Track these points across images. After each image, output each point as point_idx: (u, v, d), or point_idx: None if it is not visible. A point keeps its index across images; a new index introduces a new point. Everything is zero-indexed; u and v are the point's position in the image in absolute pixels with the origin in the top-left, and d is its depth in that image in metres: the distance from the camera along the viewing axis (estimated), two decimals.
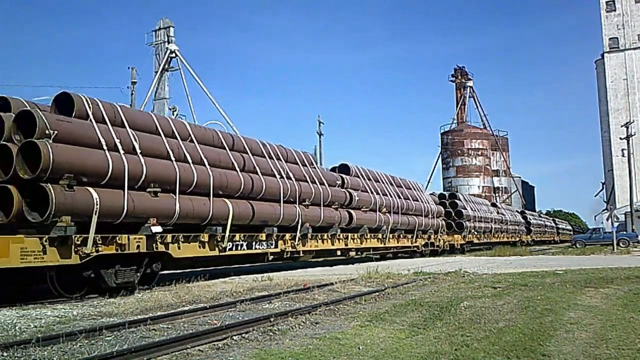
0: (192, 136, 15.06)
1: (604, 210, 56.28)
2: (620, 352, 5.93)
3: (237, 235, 15.59)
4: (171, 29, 48.85)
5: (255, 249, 16.52)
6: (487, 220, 41.89)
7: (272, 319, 7.84)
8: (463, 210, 36.80)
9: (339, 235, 21.27)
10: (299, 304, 9.92)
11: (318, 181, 20.22)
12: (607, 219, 36.92)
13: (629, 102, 70.67)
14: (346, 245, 21.90)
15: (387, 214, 24.93)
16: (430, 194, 36.85)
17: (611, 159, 69.83)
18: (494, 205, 50.35)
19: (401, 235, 26.90)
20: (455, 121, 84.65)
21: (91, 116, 12.21)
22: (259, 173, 16.95)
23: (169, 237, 13.14)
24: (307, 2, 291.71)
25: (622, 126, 51.59)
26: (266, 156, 18.04)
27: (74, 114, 12.08)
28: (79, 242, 10.90)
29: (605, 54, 72.89)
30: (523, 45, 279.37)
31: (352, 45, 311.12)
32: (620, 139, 52.36)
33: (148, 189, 12.72)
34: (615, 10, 72.48)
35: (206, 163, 14.78)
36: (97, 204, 11.14)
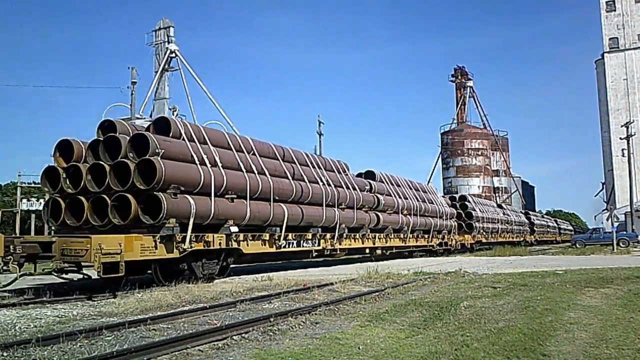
0: (254, 149, 17.65)
1: (604, 210, 56.28)
2: (620, 352, 5.93)
3: (290, 234, 18.12)
4: (171, 29, 48.84)
5: (303, 246, 19.06)
6: (494, 221, 44.11)
7: (272, 319, 7.84)
8: (473, 212, 38.90)
9: (368, 235, 23.51)
10: (298, 304, 9.92)
11: (351, 186, 22.73)
12: (607, 219, 36.92)
13: (629, 102, 70.65)
14: (374, 244, 24.18)
15: (407, 215, 27.36)
16: (441, 196, 38.24)
17: (611, 159, 69.81)
18: (499, 206, 52.18)
19: (419, 235, 29.30)
20: (455, 121, 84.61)
21: (183, 135, 15.00)
22: (306, 180, 19.53)
23: (241, 236, 15.82)
24: (307, 2, 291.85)
25: (622, 126, 51.57)
26: (309, 165, 20.66)
27: (170, 135, 14.73)
28: (179, 240, 13.53)
29: (605, 54, 72.88)
30: (523, 45, 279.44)
31: (352, 45, 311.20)
32: (620, 139, 52.35)
33: (226, 196, 15.31)
34: (615, 10, 72.46)
35: (267, 173, 17.35)
36: (193, 209, 13.83)
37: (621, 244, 38.21)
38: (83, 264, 12.06)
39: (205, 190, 14.54)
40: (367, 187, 24.52)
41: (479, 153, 77.47)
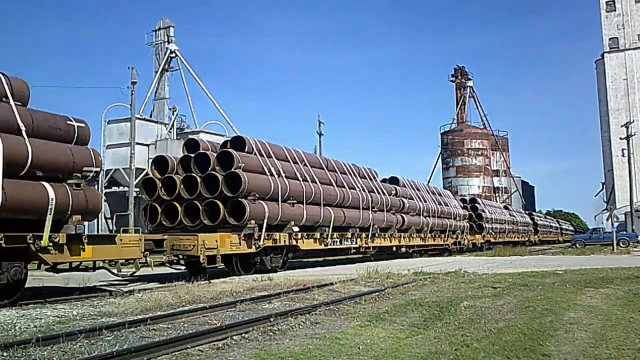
0: (305, 160, 20.78)
1: (604, 210, 56.30)
2: (620, 352, 5.93)
3: (335, 234, 21.23)
4: (171, 29, 48.87)
5: (344, 244, 22.11)
6: (501, 222, 46.98)
7: (272, 319, 7.84)
8: (482, 214, 41.54)
9: (395, 235, 26.62)
10: (299, 304, 9.92)
11: (380, 191, 25.74)
12: (607, 219, 36.92)
13: (629, 102, 70.66)
14: (399, 242, 27.18)
15: (427, 217, 30.32)
16: (454, 199, 40.59)
17: (611, 159, 69.81)
18: (506, 208, 54.75)
19: (437, 235, 32.19)
20: (455, 121, 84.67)
21: (255, 151, 18.05)
22: (346, 187, 22.68)
23: (298, 235, 18.99)
24: (307, 2, 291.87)
25: (622, 126, 51.58)
26: (347, 173, 23.72)
27: (245, 150, 17.73)
28: (256, 238, 16.74)
29: (605, 54, 72.88)
30: (523, 45, 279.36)
31: (352, 45, 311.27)
32: (620, 139, 52.36)
33: (288, 201, 18.41)
34: (615, 10, 72.47)
35: (317, 181, 20.53)
36: (266, 212, 17.13)
37: (621, 244, 38.20)
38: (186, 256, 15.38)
39: (274, 196, 17.82)
40: (393, 192, 27.42)
41: (479, 153, 77.49)
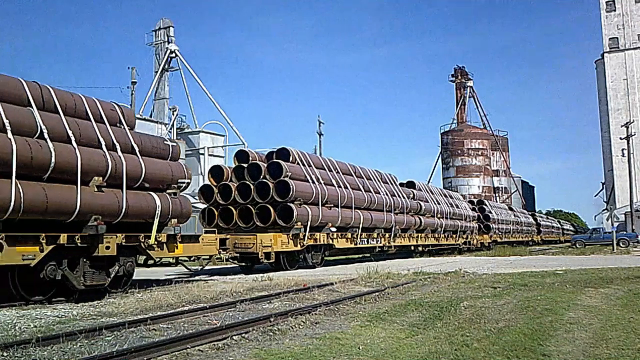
0: (337, 168, 23.49)
1: (604, 210, 56.28)
2: (620, 352, 5.93)
3: (363, 234, 23.71)
4: (171, 29, 48.86)
5: (370, 243, 24.54)
6: (507, 222, 49.17)
7: (272, 319, 7.83)
8: (490, 215, 43.58)
9: (413, 235, 28.81)
10: (299, 304, 9.91)
11: (400, 195, 28.11)
12: (607, 219, 36.90)
13: (629, 102, 70.63)
14: (417, 242, 29.33)
15: (441, 218, 32.39)
16: (465, 201, 42.58)
17: (611, 159, 69.79)
18: (510, 209, 56.34)
19: (449, 235, 34.11)
20: (455, 121, 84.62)
21: (297, 160, 20.72)
22: (372, 191, 25.01)
23: (334, 235, 21.38)
24: (307, 2, 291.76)
25: (622, 126, 51.59)
26: (372, 179, 26.17)
27: (290, 160, 20.31)
28: (301, 237, 19.27)
29: (605, 54, 72.86)
30: (523, 45, 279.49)
31: (352, 45, 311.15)
32: (620, 139, 52.38)
33: (326, 205, 21.09)
34: (615, 10, 72.43)
35: (349, 187, 22.99)
36: (309, 215, 19.52)
37: (621, 244, 38.20)
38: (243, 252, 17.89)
39: (315, 201, 20.27)
40: (411, 195, 29.68)
41: (479, 153, 77.47)
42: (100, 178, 11.19)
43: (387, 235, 25.58)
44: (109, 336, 6.97)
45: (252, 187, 19.12)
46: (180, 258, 15.65)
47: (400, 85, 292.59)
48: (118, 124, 12.57)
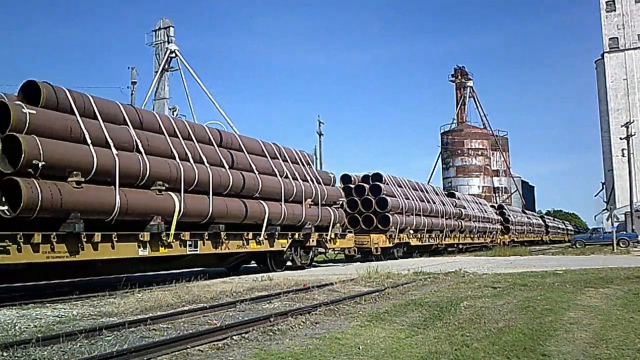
0: (413, 185, 32.27)
1: (604, 210, 56.27)
2: (620, 352, 5.92)
3: (427, 234, 31.35)
4: (171, 29, 48.80)
5: (430, 241, 32.07)
6: (522, 224, 57.38)
7: (272, 319, 7.83)
8: (509, 218, 51.41)
9: (457, 235, 36.72)
10: (298, 304, 9.91)
11: (449, 204, 36.46)
12: (607, 219, 36.90)
13: (629, 102, 70.63)
14: (459, 241, 37.35)
15: (475, 222, 40.65)
16: (490, 205, 51.40)
17: (611, 159, 69.79)
18: (523, 212, 64.38)
19: (480, 236, 42.01)
20: (455, 121, 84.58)
21: (388, 181, 28.33)
22: (431, 202, 33.06)
23: (410, 235, 29.00)
24: (307, 2, 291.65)
25: (622, 126, 51.57)
26: (430, 192, 34.28)
27: (383, 181, 27.84)
28: (393, 237, 26.82)
29: (605, 54, 72.85)
30: (523, 45, 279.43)
31: (352, 45, 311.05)
32: (620, 139, 52.36)
33: (408, 214, 28.76)
34: (615, 10, 72.43)
35: (419, 199, 31.39)
36: (399, 221, 27.18)
37: (621, 244, 38.19)
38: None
39: (401, 211, 27.94)
40: (455, 203, 37.83)
41: (479, 153, 77.47)
42: (310, 200, 19.49)
43: (440, 235, 33.31)
44: (109, 336, 6.96)
45: (358, 201, 27.05)
46: (335, 249, 23.97)
47: (400, 85, 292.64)
48: (307, 165, 20.91)
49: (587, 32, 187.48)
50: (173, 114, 45.45)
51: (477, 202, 44.40)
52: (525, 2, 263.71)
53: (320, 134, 43.32)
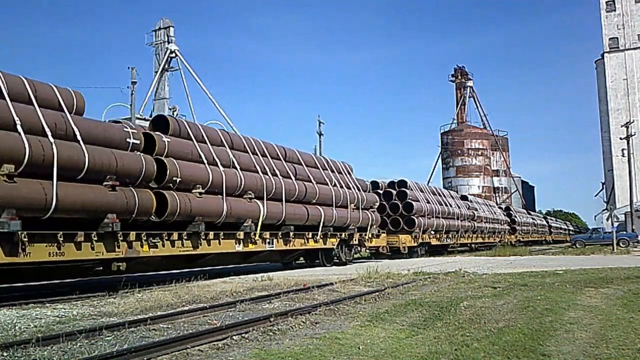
0: (433, 190, 36.61)
1: (604, 210, 56.30)
2: (620, 352, 5.93)
3: (445, 234, 34.87)
4: (171, 29, 48.86)
5: (447, 241, 35.74)
6: (527, 224, 60.76)
7: (272, 319, 7.83)
8: (515, 219, 54.90)
9: (470, 235, 39.95)
10: (299, 304, 9.91)
11: (464, 207, 39.77)
12: (607, 219, 36.91)
13: (629, 102, 70.64)
14: (472, 240, 41.04)
15: (486, 223, 44.22)
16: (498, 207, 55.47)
17: (611, 159, 69.80)
18: (529, 213, 67.88)
19: (490, 236, 45.27)
20: (455, 121, 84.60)
21: (413, 187, 31.57)
22: (448, 205, 36.29)
23: (431, 235, 31.85)
24: (307, 2, 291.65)
25: (622, 126, 51.57)
26: (447, 197, 37.86)
27: (408, 186, 31.05)
28: (418, 237, 29.78)
29: (605, 54, 72.86)
30: (523, 45, 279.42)
31: (352, 45, 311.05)
32: (620, 139, 52.36)
33: (430, 216, 31.78)
34: (615, 10, 72.44)
35: (439, 203, 34.32)
36: (423, 223, 30.25)
37: (621, 244, 38.18)
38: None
39: (425, 214, 30.83)
40: (468, 206, 41.02)
41: (479, 153, 77.48)
42: (353, 204, 22.30)
43: (456, 235, 36.76)
44: (109, 336, 6.96)
45: (387, 205, 29.55)
46: (371, 247, 26.75)
47: (400, 85, 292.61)
48: (348, 174, 23.82)
49: (587, 32, 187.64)
50: (173, 114, 45.53)
51: (487, 205, 47.98)
52: (525, 2, 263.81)
53: (320, 134, 43.34)
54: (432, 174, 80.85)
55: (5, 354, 5.95)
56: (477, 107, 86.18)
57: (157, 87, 48.30)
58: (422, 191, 32.69)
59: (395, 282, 13.35)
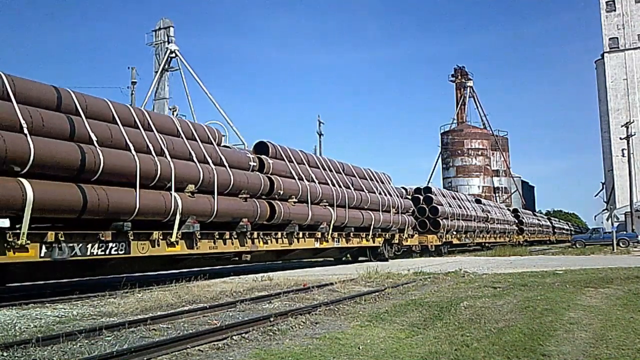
0: (453, 195, 39.78)
1: (604, 210, 56.28)
2: (620, 352, 5.92)
3: (464, 235, 37.40)
4: (171, 29, 48.82)
5: (465, 240, 38.23)
6: (533, 225, 63.40)
7: (272, 319, 7.83)
8: (523, 220, 57.78)
9: (484, 235, 42.71)
10: (298, 304, 9.91)
11: (479, 209, 42.49)
12: (607, 219, 36.90)
13: (629, 102, 70.62)
14: (486, 240, 43.56)
15: (498, 224, 47.40)
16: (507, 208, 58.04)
17: (611, 159, 69.77)
18: (534, 214, 70.82)
19: (500, 236, 48.01)
20: (455, 121, 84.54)
21: (436, 193, 34.98)
22: (467, 208, 39.34)
23: (453, 235, 34.70)
24: (307, 2, 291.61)
25: (622, 126, 51.54)
26: (463, 200, 40.47)
27: (432, 192, 33.90)
28: (442, 237, 32.82)
29: (605, 54, 72.83)
30: (523, 45, 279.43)
31: (352, 45, 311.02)
32: (620, 139, 52.32)
33: (451, 219, 34.81)
34: (615, 10, 72.42)
35: (459, 207, 37.48)
36: (447, 225, 33.61)
37: (621, 244, 38.19)
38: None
39: (448, 216, 33.47)
40: (482, 208, 44.00)
41: (479, 153, 77.44)
42: (394, 209, 25.57)
43: (473, 235, 39.71)
44: (109, 336, 6.96)
45: (415, 209, 30.99)
46: (406, 245, 28.29)
47: (400, 85, 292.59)
48: (388, 183, 26.99)
49: (587, 32, 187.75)
50: (173, 114, 45.47)
51: (498, 207, 52.12)
52: (525, 2, 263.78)
53: (320, 134, 43.39)
54: (432, 174, 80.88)
55: (5, 354, 5.95)
56: (477, 107, 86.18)
57: (157, 87, 48.26)
58: (444, 196, 36.05)
59: (395, 282, 13.34)
